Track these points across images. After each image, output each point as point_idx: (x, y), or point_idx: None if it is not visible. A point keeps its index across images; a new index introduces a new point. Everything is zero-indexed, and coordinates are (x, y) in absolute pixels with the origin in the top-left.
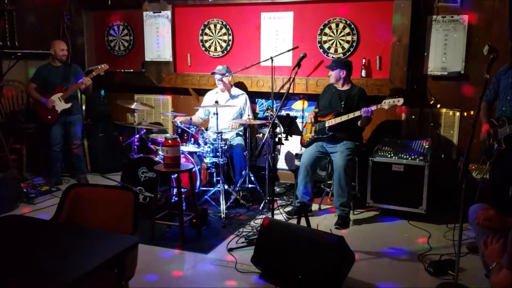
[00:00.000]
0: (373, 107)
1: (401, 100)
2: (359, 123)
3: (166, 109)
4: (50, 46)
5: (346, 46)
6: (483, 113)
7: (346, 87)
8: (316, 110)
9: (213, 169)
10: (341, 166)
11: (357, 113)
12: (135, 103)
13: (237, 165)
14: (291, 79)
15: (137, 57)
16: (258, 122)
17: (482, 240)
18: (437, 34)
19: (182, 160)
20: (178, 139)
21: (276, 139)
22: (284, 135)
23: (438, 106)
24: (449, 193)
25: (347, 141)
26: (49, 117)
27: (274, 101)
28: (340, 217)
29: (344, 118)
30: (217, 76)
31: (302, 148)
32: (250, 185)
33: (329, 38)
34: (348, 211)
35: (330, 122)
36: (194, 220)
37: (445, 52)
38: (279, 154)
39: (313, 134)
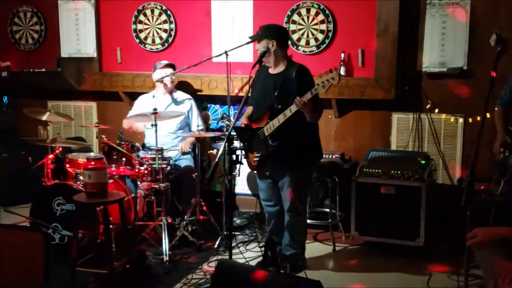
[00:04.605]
0: (308, 95)
1: (336, 77)
2: (307, 118)
3: (90, 120)
4: None
5: (320, 37)
6: (499, 119)
7: (281, 68)
8: (250, 110)
9: (153, 198)
10: (288, 209)
11: (293, 108)
12: (48, 113)
13: (184, 191)
14: (252, 79)
15: (51, 53)
16: (211, 134)
17: (491, 282)
18: (433, 21)
19: (111, 186)
20: (105, 160)
21: (234, 157)
22: (243, 152)
23: (437, 111)
24: (453, 220)
25: (290, 172)
26: None
27: (231, 107)
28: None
29: (281, 119)
30: (161, 74)
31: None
32: (201, 217)
33: (299, 27)
34: (302, 252)
35: (267, 128)
36: (128, 266)
37: (443, 43)
38: (239, 176)
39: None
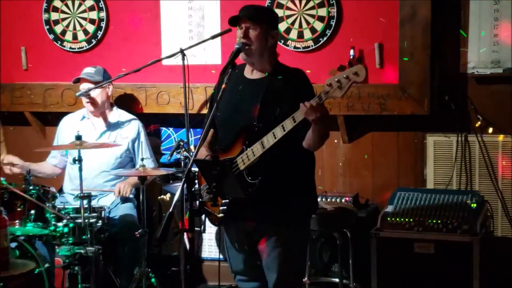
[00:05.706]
0: (314, 101)
1: (362, 71)
2: (305, 142)
3: None
4: None
5: (319, 26)
6: None
7: (265, 71)
8: (210, 136)
9: (77, 268)
10: (275, 284)
11: (298, 116)
12: None
13: (124, 257)
14: (221, 90)
15: None
16: (163, 172)
17: None
18: (480, 2)
19: (13, 253)
20: (4, 213)
21: (196, 205)
22: (210, 196)
23: (490, 130)
24: None
25: (277, 226)
26: None
27: (191, 130)
28: None
29: (267, 141)
30: (84, 87)
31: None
32: None
33: (288, 13)
34: None
35: (243, 160)
36: None
37: (497, 33)
38: (204, 232)
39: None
